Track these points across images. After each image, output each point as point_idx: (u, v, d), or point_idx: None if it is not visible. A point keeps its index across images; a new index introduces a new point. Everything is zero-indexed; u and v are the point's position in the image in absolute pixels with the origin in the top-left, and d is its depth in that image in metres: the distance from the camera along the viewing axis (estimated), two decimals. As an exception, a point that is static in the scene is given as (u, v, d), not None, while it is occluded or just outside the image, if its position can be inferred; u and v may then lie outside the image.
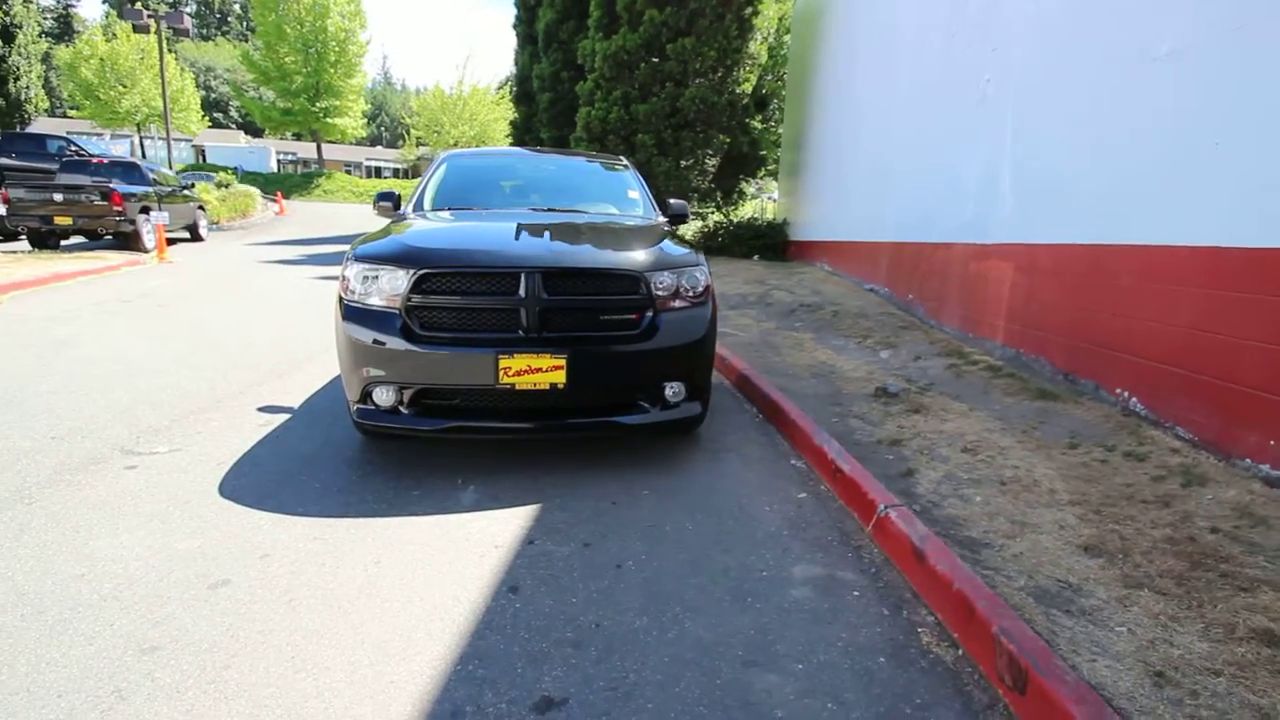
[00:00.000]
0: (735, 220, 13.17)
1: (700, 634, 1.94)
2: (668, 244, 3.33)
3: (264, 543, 2.42)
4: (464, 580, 2.20)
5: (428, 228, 3.48)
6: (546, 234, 3.24)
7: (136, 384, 4.37)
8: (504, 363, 2.80)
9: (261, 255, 12.73)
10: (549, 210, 4.00)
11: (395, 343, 2.85)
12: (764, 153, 13.97)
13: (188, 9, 42.83)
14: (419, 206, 4.03)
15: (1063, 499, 2.81)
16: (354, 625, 1.95)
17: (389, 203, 4.20)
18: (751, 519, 2.71)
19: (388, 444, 3.40)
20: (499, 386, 2.83)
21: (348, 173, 43.25)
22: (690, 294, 3.15)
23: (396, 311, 2.88)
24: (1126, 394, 3.65)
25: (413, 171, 43.06)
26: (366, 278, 2.96)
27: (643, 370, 3.03)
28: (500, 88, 43.53)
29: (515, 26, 18.83)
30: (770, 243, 12.25)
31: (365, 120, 35.01)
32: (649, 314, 3.03)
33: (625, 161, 4.76)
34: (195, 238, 14.24)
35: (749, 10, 12.32)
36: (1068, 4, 4.41)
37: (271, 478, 2.99)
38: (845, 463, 2.94)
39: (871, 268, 8.20)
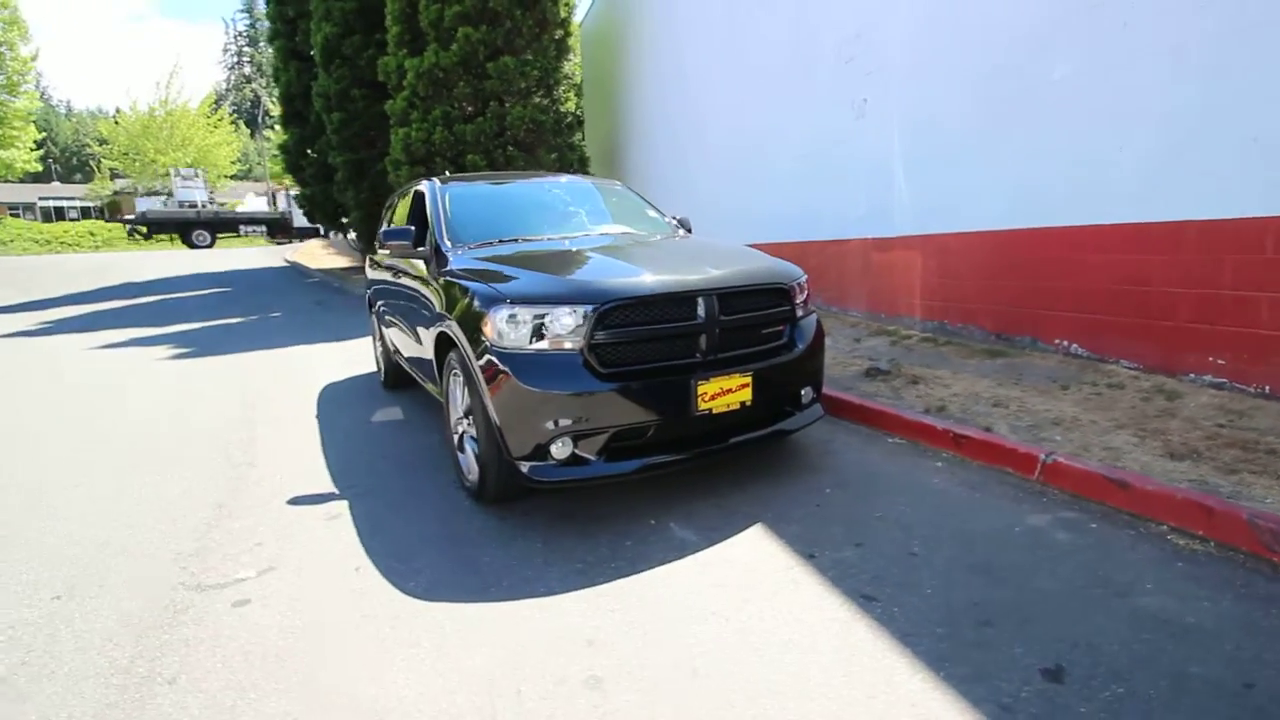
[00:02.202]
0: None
1: (1052, 586, 2.21)
2: (769, 257, 3.49)
3: (563, 630, 2.11)
4: (820, 605, 2.18)
5: (553, 258, 3.21)
6: (677, 255, 3.20)
7: (80, 505, 3.29)
8: (701, 388, 2.76)
9: (-18, 329, 9.69)
10: (603, 233, 3.88)
11: (585, 385, 2.62)
12: (592, 170, 14.33)
13: None
14: (457, 239, 3.62)
15: (1106, 426, 3.58)
16: (818, 684, 1.85)
17: (406, 240, 3.69)
18: (934, 491, 3.03)
19: (519, 504, 3.05)
20: (697, 413, 2.77)
21: (15, 215, 34.06)
22: (803, 302, 3.36)
23: (576, 352, 2.65)
24: (1066, 342, 4.70)
25: (110, 210, 35.41)
26: (525, 320, 2.67)
27: (796, 377, 3.17)
28: (217, 108, 37.97)
29: (272, 40, 16.71)
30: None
31: (38, 151, 27.91)
32: (790, 324, 3.18)
33: (619, 183, 4.75)
34: None
35: (561, 33, 12.58)
36: (992, 48, 5.46)
37: (448, 570, 2.55)
38: (969, 430, 3.41)
39: (745, 268, 8.97)
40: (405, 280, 4.10)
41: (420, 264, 3.78)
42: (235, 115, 41.57)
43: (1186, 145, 3.88)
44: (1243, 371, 3.69)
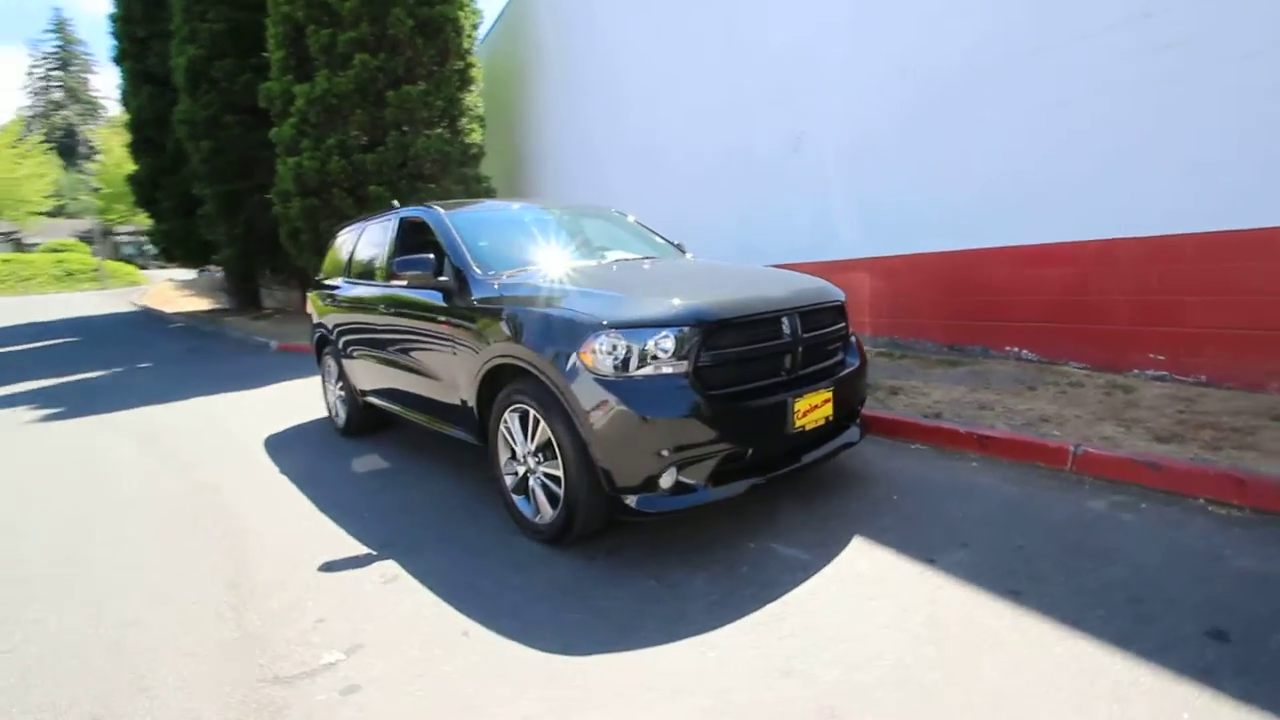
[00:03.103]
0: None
1: (1154, 560, 2.43)
2: (809, 276, 3.60)
3: (750, 665, 2.00)
4: (979, 605, 2.24)
5: (618, 281, 3.14)
6: (730, 277, 3.21)
7: (51, 601, 2.68)
8: (797, 406, 2.77)
9: None
10: (622, 258, 3.83)
11: (695, 410, 2.55)
12: (492, 201, 14.03)
13: None
14: (487, 266, 3.40)
15: (1089, 419, 4.01)
16: (1038, 680, 1.88)
17: (425, 270, 3.41)
18: (989, 489, 3.24)
19: (599, 544, 2.87)
20: (792, 431, 2.78)
21: None
22: (847, 318, 3.49)
23: (683, 375, 2.57)
24: (1017, 349, 5.24)
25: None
26: (628, 345, 2.55)
27: (857, 391, 3.28)
28: (24, 137, 33.17)
29: (119, 61, 14.91)
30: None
31: None
32: (844, 340, 3.30)
33: (613, 208, 4.69)
34: None
35: (462, 64, 12.31)
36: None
37: (573, 621, 2.35)
38: (991, 432, 3.68)
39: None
40: (406, 314, 3.77)
41: (432, 295, 3.51)
42: (46, 145, 36.33)
43: (1118, 173, 4.52)
44: (1181, 364, 4.31)
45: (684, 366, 2.57)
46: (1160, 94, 4.24)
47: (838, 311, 3.22)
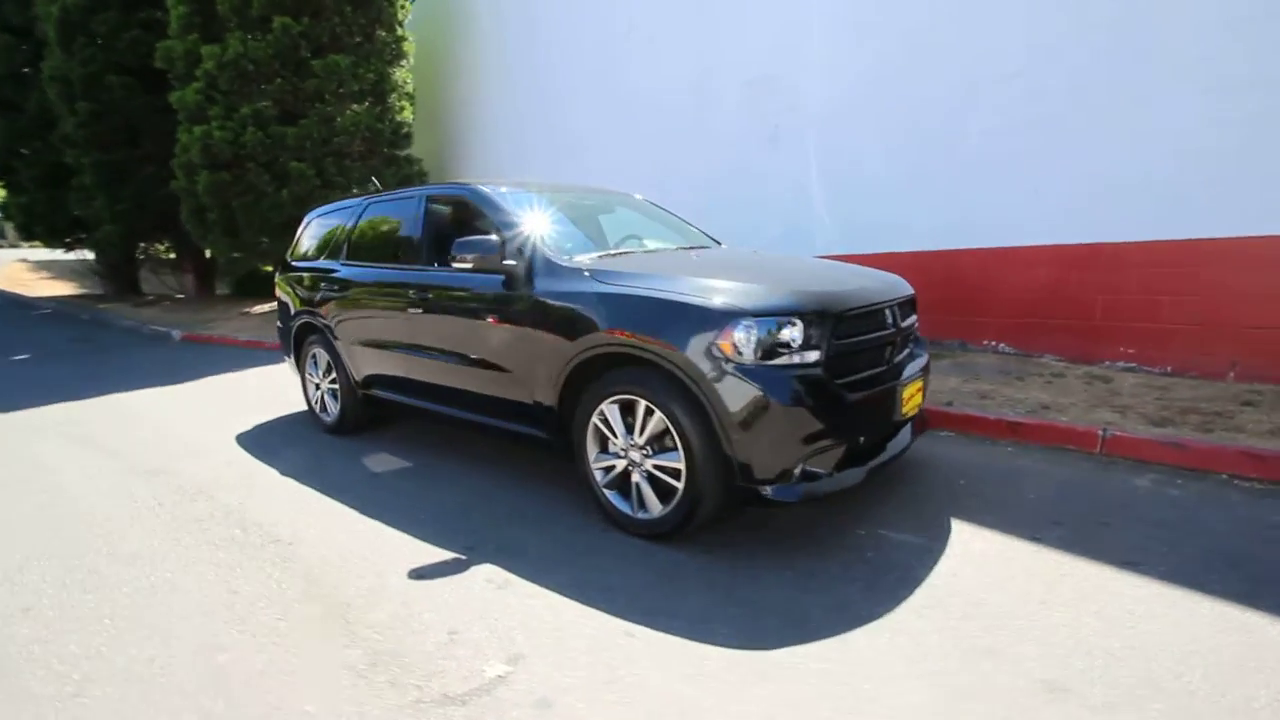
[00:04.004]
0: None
1: (1221, 528, 2.73)
2: (867, 268, 3.69)
3: (950, 646, 2.04)
4: (1104, 576, 2.40)
5: (721, 267, 3.08)
6: (809, 267, 3.26)
7: (96, 627, 2.24)
8: (904, 393, 2.85)
9: None
10: (679, 248, 3.76)
11: (831, 399, 2.57)
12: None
13: None
14: (560, 249, 3.22)
15: (1084, 406, 4.41)
16: (1195, 639, 2.04)
17: (489, 252, 3.18)
18: (1041, 472, 3.48)
19: (706, 537, 2.82)
20: (899, 418, 2.86)
21: None
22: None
23: (817, 364, 2.57)
24: (995, 343, 5.67)
25: None
26: (769, 334, 2.51)
27: (929, 382, 3.41)
28: None
29: (-37, 1, 12.68)
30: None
31: None
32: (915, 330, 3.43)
33: (639, 194, 4.57)
34: None
35: (393, 37, 11.54)
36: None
37: (735, 614, 2.29)
38: (1022, 418, 3.97)
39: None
40: (451, 301, 3.51)
41: (487, 280, 3.28)
42: None
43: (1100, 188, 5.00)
44: (1149, 357, 4.84)
45: (816, 356, 2.57)
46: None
47: (913, 304, 3.35)
